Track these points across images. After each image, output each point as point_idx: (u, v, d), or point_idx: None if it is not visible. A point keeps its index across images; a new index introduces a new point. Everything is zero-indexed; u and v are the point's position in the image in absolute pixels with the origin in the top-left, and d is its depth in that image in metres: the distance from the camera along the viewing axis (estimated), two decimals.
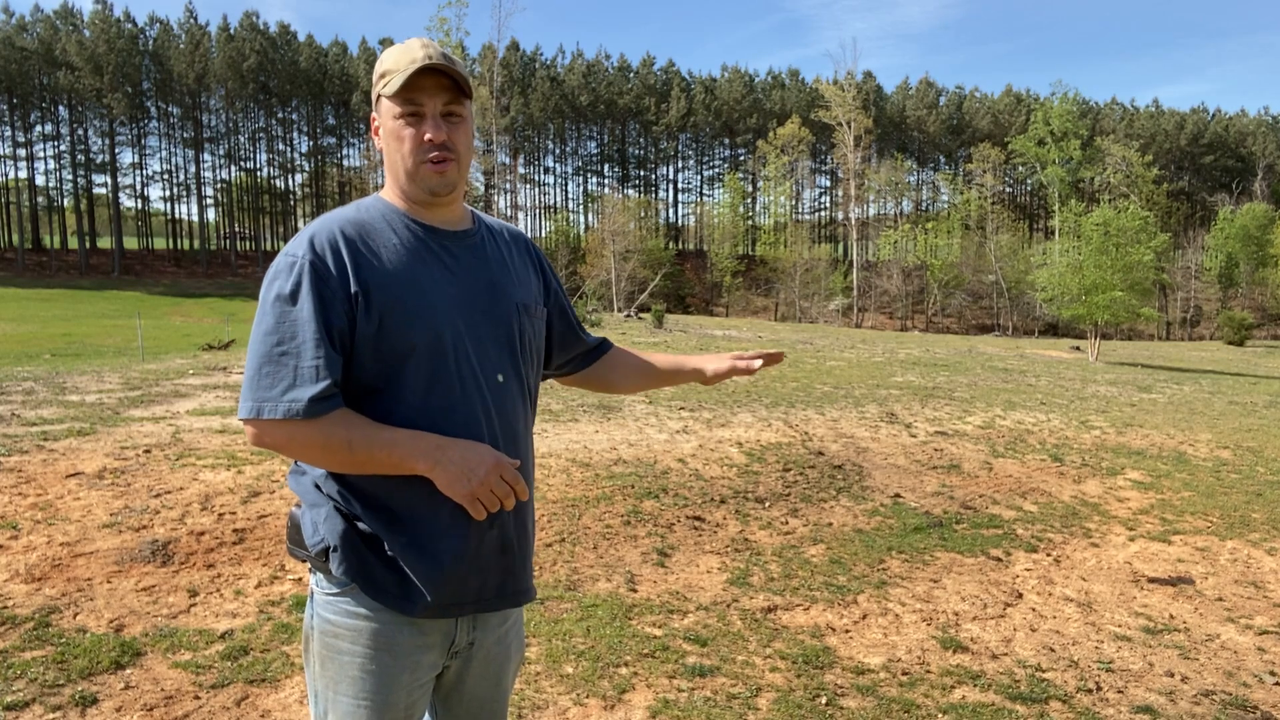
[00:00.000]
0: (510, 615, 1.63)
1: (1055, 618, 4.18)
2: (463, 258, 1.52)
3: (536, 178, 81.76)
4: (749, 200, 78.51)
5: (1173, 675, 3.56)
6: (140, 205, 74.19)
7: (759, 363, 1.73)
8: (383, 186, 1.56)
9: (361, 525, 1.43)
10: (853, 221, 67.43)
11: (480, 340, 1.48)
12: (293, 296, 1.36)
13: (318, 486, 1.47)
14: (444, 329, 1.43)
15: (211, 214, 74.39)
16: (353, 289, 1.38)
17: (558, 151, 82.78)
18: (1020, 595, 4.48)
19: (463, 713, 1.61)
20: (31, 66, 63.01)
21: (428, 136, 1.44)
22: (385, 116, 1.48)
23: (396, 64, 1.44)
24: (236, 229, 75.24)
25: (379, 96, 1.48)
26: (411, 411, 1.41)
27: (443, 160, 1.46)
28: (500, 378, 1.50)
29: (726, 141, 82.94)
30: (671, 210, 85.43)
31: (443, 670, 1.55)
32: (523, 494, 1.40)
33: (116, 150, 68.39)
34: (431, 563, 1.42)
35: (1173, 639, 3.96)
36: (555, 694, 3.13)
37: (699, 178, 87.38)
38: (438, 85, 1.45)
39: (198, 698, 2.98)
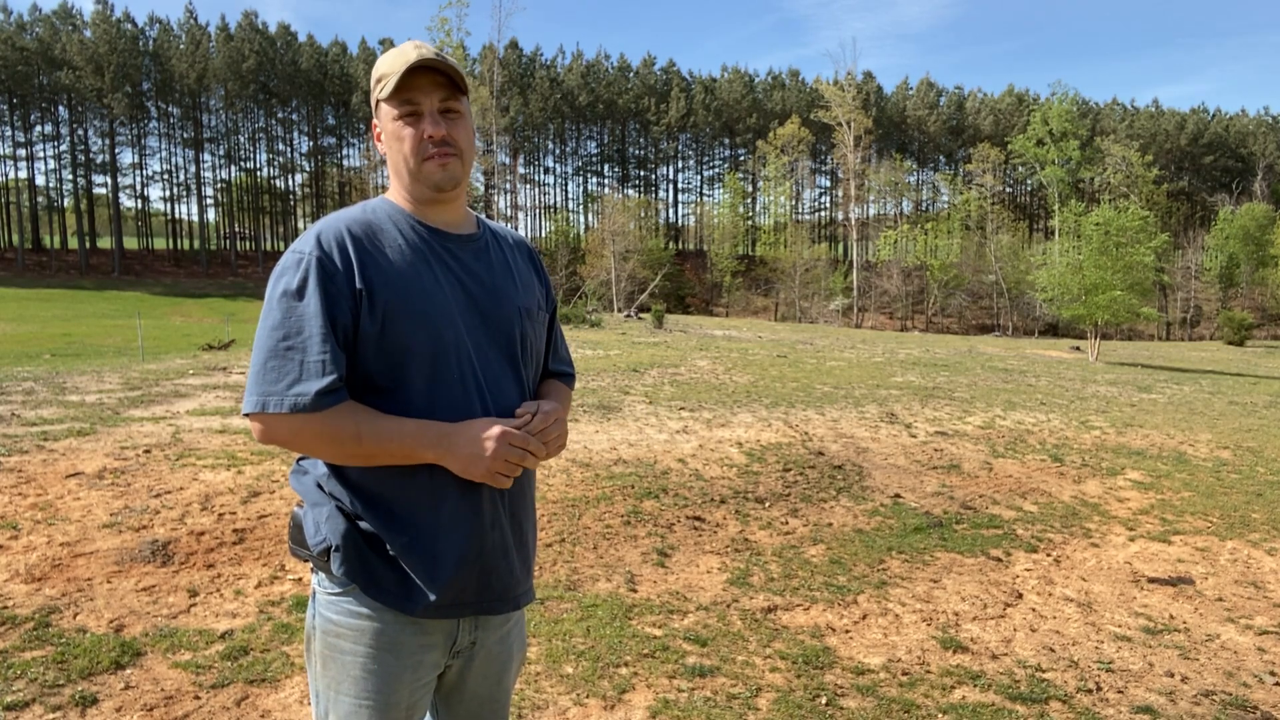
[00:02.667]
0: (512, 615, 1.64)
1: (1055, 618, 4.18)
2: (466, 261, 1.53)
3: (536, 178, 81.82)
4: (749, 200, 78.54)
5: (1173, 675, 3.56)
6: (140, 205, 74.20)
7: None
8: (384, 188, 1.57)
9: (363, 525, 1.44)
10: (853, 221, 67.40)
11: (481, 342, 1.49)
12: (299, 292, 1.37)
13: (320, 486, 1.47)
14: (445, 330, 1.44)
15: (211, 214, 74.46)
16: (357, 285, 1.39)
17: (558, 151, 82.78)
18: (1020, 595, 4.48)
19: (464, 712, 1.61)
20: (32, 66, 62.99)
21: (427, 133, 1.45)
22: (385, 119, 1.49)
23: (391, 67, 1.45)
24: (236, 229, 75.19)
25: (378, 102, 1.49)
26: (416, 412, 1.42)
27: (444, 155, 1.47)
28: (501, 380, 1.51)
29: (726, 141, 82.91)
30: (671, 210, 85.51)
31: (444, 670, 1.55)
32: (538, 451, 1.43)
33: (116, 150, 68.38)
34: (433, 563, 1.43)
35: (1173, 639, 3.96)
36: (555, 694, 3.13)
37: (699, 178, 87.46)
38: (433, 83, 1.46)
39: (198, 698, 2.98)
